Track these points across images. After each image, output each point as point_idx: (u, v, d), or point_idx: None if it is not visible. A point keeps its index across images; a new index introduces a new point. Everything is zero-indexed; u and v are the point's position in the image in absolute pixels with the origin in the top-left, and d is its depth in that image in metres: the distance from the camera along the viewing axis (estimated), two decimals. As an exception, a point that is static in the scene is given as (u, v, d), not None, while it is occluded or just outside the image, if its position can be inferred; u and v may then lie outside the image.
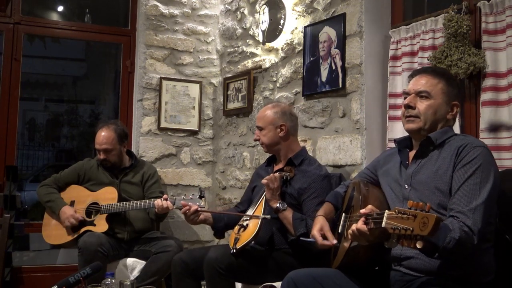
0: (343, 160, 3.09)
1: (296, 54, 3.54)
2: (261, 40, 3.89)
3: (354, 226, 1.74)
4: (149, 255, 3.32)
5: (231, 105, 4.22)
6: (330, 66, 3.18)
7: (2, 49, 4.04)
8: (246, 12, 4.16)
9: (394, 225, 1.50)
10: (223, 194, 4.32)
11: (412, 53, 2.80)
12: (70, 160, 10.04)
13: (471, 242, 1.67)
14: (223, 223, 2.86)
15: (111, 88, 9.75)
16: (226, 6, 4.44)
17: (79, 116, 11.19)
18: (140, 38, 4.30)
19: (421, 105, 1.95)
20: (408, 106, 1.97)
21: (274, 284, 2.43)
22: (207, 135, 4.48)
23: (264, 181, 2.62)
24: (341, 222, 2.10)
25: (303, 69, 3.41)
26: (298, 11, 3.55)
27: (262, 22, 3.83)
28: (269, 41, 3.78)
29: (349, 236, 1.80)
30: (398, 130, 2.79)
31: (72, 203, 3.46)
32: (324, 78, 3.23)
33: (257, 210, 2.65)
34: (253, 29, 4.05)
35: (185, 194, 3.05)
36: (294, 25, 3.58)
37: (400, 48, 2.87)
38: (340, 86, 3.09)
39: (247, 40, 4.11)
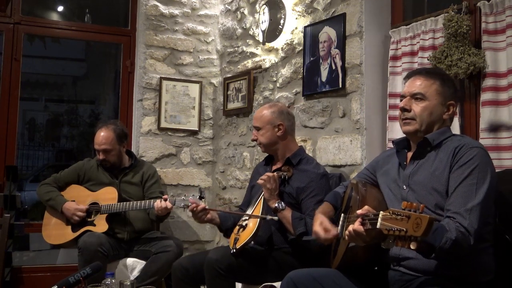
0: (343, 160, 3.09)
1: (296, 54, 3.54)
2: (261, 40, 3.89)
3: (350, 227, 1.74)
4: (149, 255, 3.32)
5: (231, 105, 4.22)
6: (330, 66, 3.18)
7: (2, 49, 4.04)
8: (246, 12, 4.16)
9: (389, 226, 1.50)
10: (223, 194, 4.32)
11: (412, 53, 2.80)
12: (70, 160, 10.04)
13: (467, 242, 1.67)
14: (231, 222, 2.85)
15: (111, 88, 9.75)
16: (226, 6, 4.44)
17: (79, 116, 11.19)
18: (140, 38, 4.30)
19: (417, 107, 1.95)
20: (403, 109, 1.98)
21: (274, 284, 2.43)
22: (207, 135, 4.48)
23: (260, 181, 2.61)
24: (340, 223, 2.10)
25: (303, 69, 3.41)
26: (298, 11, 3.55)
27: (262, 22, 3.83)
28: (269, 41, 3.78)
29: (347, 237, 1.80)
30: (398, 130, 2.77)
31: (72, 203, 3.46)
32: (324, 78, 3.23)
33: (256, 209, 2.65)
34: (253, 29, 4.05)
35: (185, 195, 3.04)
36: (294, 25, 3.58)
37: (400, 48, 2.88)
38: (340, 86, 3.09)
39: (247, 40, 4.11)
